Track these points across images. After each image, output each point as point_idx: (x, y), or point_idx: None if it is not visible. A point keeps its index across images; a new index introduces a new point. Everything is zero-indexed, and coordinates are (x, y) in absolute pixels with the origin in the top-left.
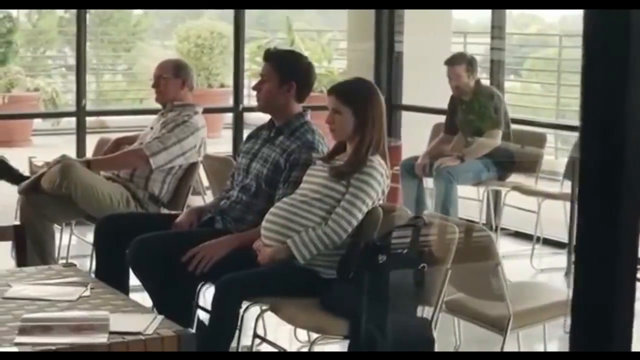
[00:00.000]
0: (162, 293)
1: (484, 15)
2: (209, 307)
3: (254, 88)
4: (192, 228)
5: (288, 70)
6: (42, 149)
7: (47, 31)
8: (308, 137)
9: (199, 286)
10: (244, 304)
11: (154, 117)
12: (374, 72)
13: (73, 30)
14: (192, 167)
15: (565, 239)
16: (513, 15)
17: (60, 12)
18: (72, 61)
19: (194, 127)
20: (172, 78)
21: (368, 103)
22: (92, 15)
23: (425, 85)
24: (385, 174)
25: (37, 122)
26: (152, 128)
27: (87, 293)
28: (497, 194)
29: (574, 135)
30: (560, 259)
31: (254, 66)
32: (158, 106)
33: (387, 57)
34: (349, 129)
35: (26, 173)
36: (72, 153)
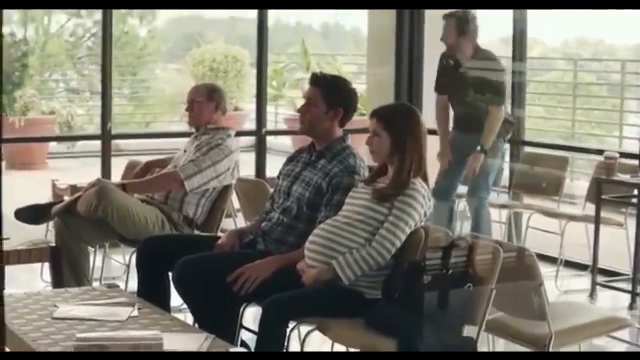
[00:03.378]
0: (206, 313)
1: (486, 41)
2: (252, 327)
3: (299, 111)
4: (234, 249)
5: (335, 96)
6: (58, 172)
7: (54, 54)
8: (350, 161)
9: (243, 306)
10: (290, 324)
11: (160, 140)
12: (394, 96)
13: (78, 54)
14: (226, 189)
15: (586, 261)
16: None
17: (66, 36)
18: (75, 84)
19: (228, 150)
20: (206, 101)
21: (406, 127)
22: (98, 38)
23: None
24: (427, 196)
25: (52, 145)
26: (185, 151)
27: (135, 313)
28: (517, 216)
29: (590, 159)
30: (583, 281)
31: (269, 90)
32: (177, 129)
33: (407, 82)
34: (387, 151)
35: (48, 194)
36: (90, 175)
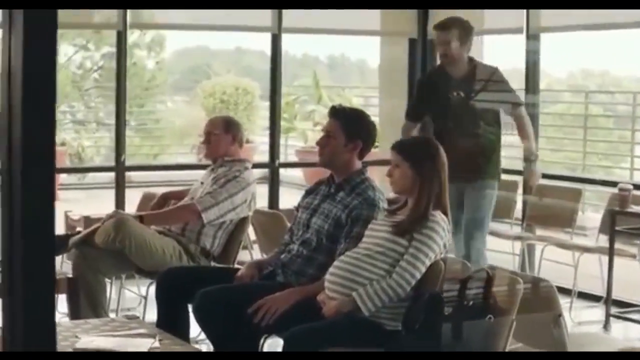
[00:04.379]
0: (227, 344)
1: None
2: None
3: (318, 143)
4: (253, 281)
5: (355, 128)
6: (68, 203)
7: (61, 86)
8: (369, 194)
9: (263, 338)
10: None
11: (168, 172)
12: None
13: (85, 86)
14: (243, 221)
15: (599, 292)
16: (522, 71)
17: (73, 68)
18: (81, 116)
19: (245, 183)
20: (223, 134)
21: (426, 159)
22: (105, 71)
23: None
24: (447, 229)
25: (63, 177)
26: (202, 183)
27: (157, 344)
28: (530, 248)
29: (598, 190)
30: (595, 312)
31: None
32: (186, 160)
33: None
34: (407, 183)
35: (61, 225)
36: (102, 207)
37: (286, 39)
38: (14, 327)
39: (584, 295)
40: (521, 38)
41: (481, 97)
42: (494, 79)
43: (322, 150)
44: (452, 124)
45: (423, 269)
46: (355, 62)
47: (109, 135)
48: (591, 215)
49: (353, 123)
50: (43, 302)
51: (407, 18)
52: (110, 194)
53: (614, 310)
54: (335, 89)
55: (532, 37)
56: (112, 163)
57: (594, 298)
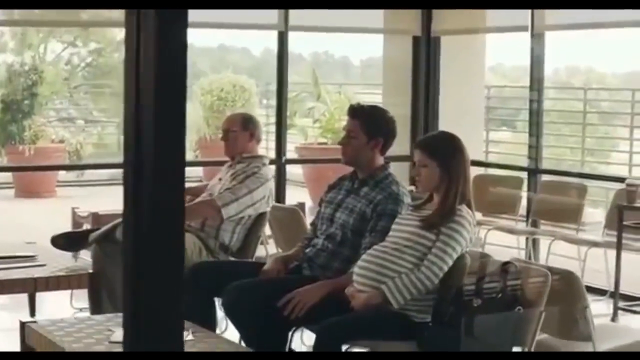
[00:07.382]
0: (257, 337)
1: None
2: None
3: (340, 143)
4: (280, 275)
5: (375, 126)
6: (68, 200)
7: (50, 83)
8: (393, 189)
9: (292, 331)
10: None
11: None
12: (411, 127)
13: (74, 83)
14: (261, 217)
15: (603, 286)
16: (505, 68)
17: (62, 65)
18: (68, 113)
19: (264, 178)
20: (241, 131)
21: (452, 155)
22: (92, 67)
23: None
24: (473, 223)
25: (61, 174)
26: (220, 179)
27: (190, 337)
28: (535, 243)
29: (592, 185)
30: (601, 305)
31: None
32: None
33: (424, 111)
34: (435, 181)
35: (64, 221)
36: (103, 203)
37: (271, 37)
38: (138, 328)
39: (589, 289)
40: (522, 36)
41: None
42: None
43: (344, 150)
44: None
45: (450, 262)
46: (339, 59)
47: (96, 132)
48: (589, 211)
49: (372, 121)
50: (171, 305)
51: (410, 16)
52: (109, 191)
53: (621, 303)
54: (333, 86)
55: (537, 36)
56: (96, 160)
57: (599, 292)
